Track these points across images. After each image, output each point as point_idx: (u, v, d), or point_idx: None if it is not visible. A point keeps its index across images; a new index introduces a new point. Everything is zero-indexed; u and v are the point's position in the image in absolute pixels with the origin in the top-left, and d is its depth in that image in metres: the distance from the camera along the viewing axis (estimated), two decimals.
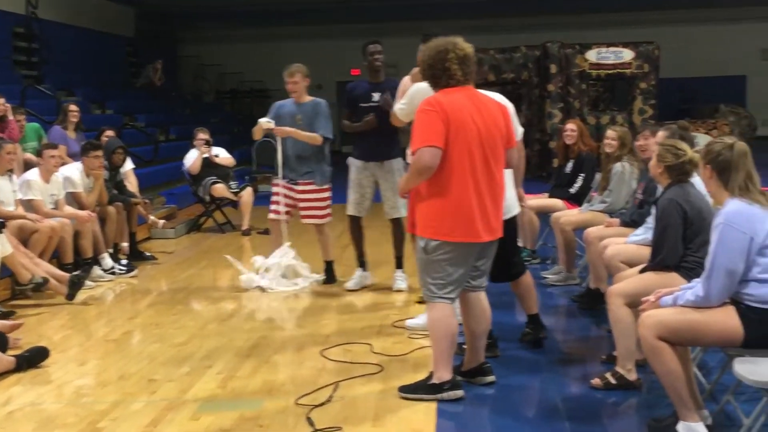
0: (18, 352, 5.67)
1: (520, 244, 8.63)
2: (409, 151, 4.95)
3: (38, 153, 8.54)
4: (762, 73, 25.99)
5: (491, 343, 5.50)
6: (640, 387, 4.90)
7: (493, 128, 4.68)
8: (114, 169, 9.39)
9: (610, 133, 7.49)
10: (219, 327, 6.60)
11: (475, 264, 4.80)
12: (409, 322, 6.33)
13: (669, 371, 3.97)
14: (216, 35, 25.86)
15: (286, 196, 7.75)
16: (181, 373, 5.45)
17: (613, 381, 4.91)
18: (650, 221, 5.62)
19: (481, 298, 4.97)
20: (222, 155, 11.86)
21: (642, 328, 4.03)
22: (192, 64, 25.81)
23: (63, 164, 8.76)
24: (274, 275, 7.76)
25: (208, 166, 11.50)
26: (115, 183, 9.39)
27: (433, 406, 4.70)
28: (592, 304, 6.71)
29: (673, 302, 4.06)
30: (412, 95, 5.80)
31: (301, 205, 7.75)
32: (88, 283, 7.85)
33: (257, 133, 7.72)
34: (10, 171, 7.95)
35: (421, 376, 5.01)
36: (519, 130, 5.57)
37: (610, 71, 16.95)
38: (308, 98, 7.70)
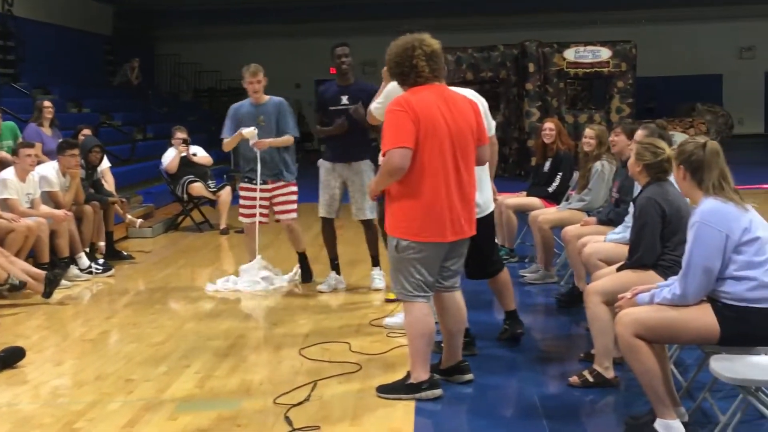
0: None
1: (497, 242, 8.70)
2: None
3: (14, 152, 8.47)
4: (738, 71, 26.20)
5: (469, 341, 5.51)
6: (617, 385, 4.91)
7: (464, 125, 4.66)
8: (91, 168, 9.34)
9: (588, 131, 7.51)
10: (197, 326, 6.58)
11: (444, 264, 4.79)
12: (387, 321, 6.33)
13: (646, 369, 3.99)
14: (194, 34, 25.75)
15: (261, 198, 7.70)
16: (159, 372, 5.43)
17: (590, 379, 4.93)
18: (629, 220, 5.64)
19: (456, 298, 4.96)
20: (200, 154, 11.82)
21: (619, 326, 4.05)
22: (170, 63, 25.66)
23: (39, 163, 8.69)
24: (248, 280, 7.71)
25: (186, 164, 11.46)
26: (91, 182, 9.33)
27: (412, 405, 4.70)
28: (569, 302, 6.73)
29: (650, 300, 4.08)
30: (388, 93, 5.78)
31: (276, 200, 7.72)
32: (64, 282, 7.80)
33: (231, 145, 7.70)
34: None
35: (399, 374, 5.01)
36: (492, 125, 5.58)
37: (587, 70, 17.03)
38: (266, 98, 7.68)
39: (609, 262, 5.50)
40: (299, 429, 4.39)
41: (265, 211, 7.79)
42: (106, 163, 10.00)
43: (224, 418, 4.59)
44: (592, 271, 5.62)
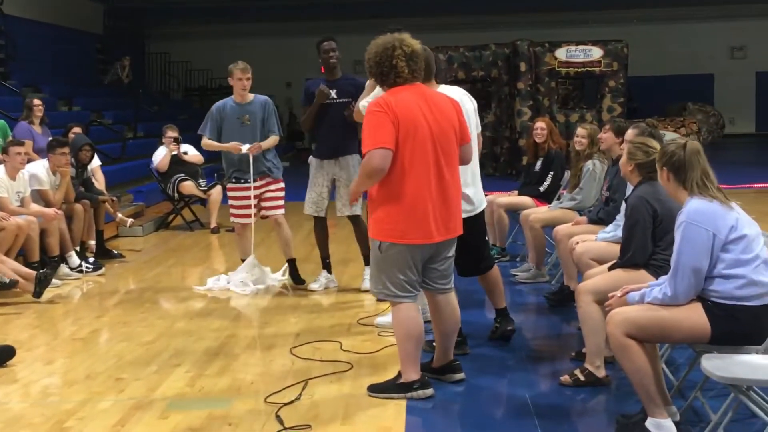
0: None
1: (489, 240, 8.71)
2: None
3: (4, 150, 8.44)
4: (730, 71, 26.28)
5: (461, 340, 5.51)
6: (609, 384, 4.93)
7: (446, 125, 4.64)
8: (81, 166, 9.31)
9: (580, 131, 7.53)
10: (187, 325, 6.56)
11: (432, 265, 4.77)
12: (378, 320, 6.33)
13: (637, 368, 4.00)
14: (184, 32, 25.71)
15: (244, 197, 7.62)
16: (149, 371, 5.42)
17: (582, 378, 4.93)
18: (620, 218, 5.66)
19: (450, 299, 4.95)
20: (191, 152, 11.79)
21: (610, 326, 4.06)
22: (160, 61, 25.62)
23: (29, 161, 8.67)
24: (238, 280, 7.69)
25: (177, 163, 11.44)
26: (82, 180, 9.31)
27: (403, 404, 4.70)
28: (561, 301, 6.74)
29: (640, 299, 4.09)
30: (377, 93, 5.78)
31: (264, 197, 7.64)
32: (55, 281, 7.78)
33: (214, 148, 7.61)
34: None
35: (390, 374, 5.01)
36: (478, 123, 5.59)
37: (579, 69, 17.05)
38: (251, 96, 7.60)
39: (600, 261, 5.51)
40: (290, 428, 4.39)
41: (252, 212, 7.72)
42: (96, 162, 9.98)
43: (215, 417, 4.58)
44: (584, 271, 5.63)
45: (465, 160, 4.88)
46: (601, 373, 4.93)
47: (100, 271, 8.63)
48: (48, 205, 8.45)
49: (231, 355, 5.76)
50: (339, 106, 7.17)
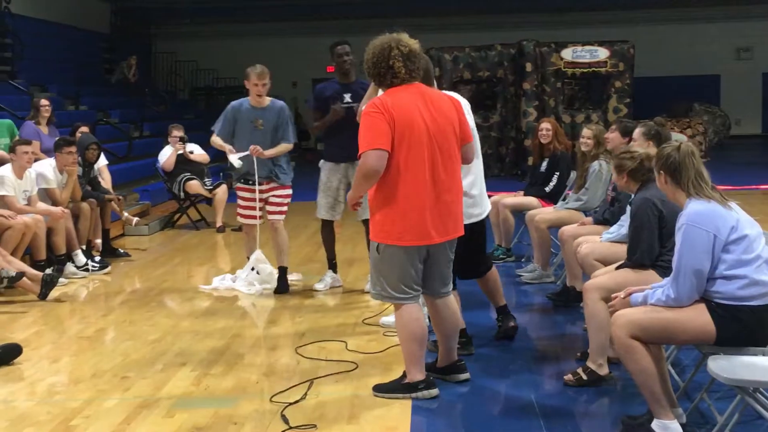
0: None
1: (495, 241, 8.72)
2: None
3: (11, 149, 8.46)
4: (736, 72, 26.22)
5: (465, 341, 5.51)
6: (611, 381, 4.92)
7: (445, 125, 4.61)
8: (88, 165, 9.33)
9: (585, 132, 7.51)
10: (193, 324, 6.57)
11: (432, 267, 4.74)
12: (383, 320, 6.33)
13: (642, 370, 3.99)
14: (191, 32, 25.74)
15: (251, 198, 7.56)
16: (155, 370, 5.42)
17: (584, 377, 4.94)
18: (624, 219, 5.65)
19: (449, 302, 4.92)
20: (197, 152, 11.80)
21: (615, 328, 4.05)
22: (167, 61, 25.65)
23: (36, 160, 8.68)
24: (244, 280, 7.68)
25: (183, 162, 11.45)
26: (88, 179, 9.32)
27: (408, 403, 4.70)
28: (567, 301, 6.73)
29: (643, 300, 4.08)
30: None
31: (269, 200, 7.56)
32: (61, 279, 7.79)
33: (217, 146, 7.50)
34: None
35: (396, 373, 5.01)
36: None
37: (585, 70, 17.03)
38: (267, 101, 7.45)
39: (605, 262, 5.51)
40: (296, 428, 4.39)
41: (259, 213, 7.67)
42: (103, 161, 9.99)
43: (220, 416, 4.59)
44: (588, 272, 5.63)
45: (467, 160, 4.84)
46: (603, 371, 4.93)
47: (106, 270, 8.64)
48: (55, 203, 8.47)
49: (236, 354, 5.77)
50: (353, 111, 7.13)
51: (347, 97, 7.21)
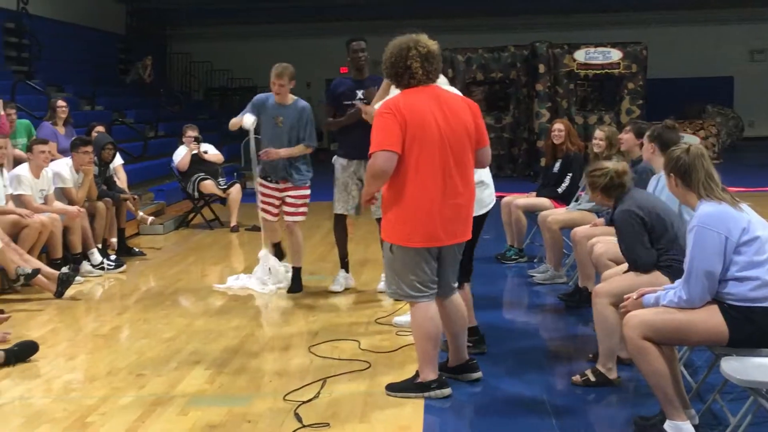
0: (7, 346, 5.65)
1: (507, 242, 8.71)
2: None
3: (28, 148, 8.50)
4: (749, 74, 26.08)
5: (478, 339, 5.51)
6: (619, 385, 4.91)
7: (459, 128, 4.59)
8: (103, 164, 9.36)
9: (598, 133, 7.50)
10: (207, 323, 6.59)
11: (440, 268, 4.74)
12: (396, 320, 6.33)
13: (655, 371, 3.98)
14: (205, 33, 25.79)
15: (269, 195, 7.57)
16: (170, 368, 5.44)
17: (592, 378, 4.94)
18: None
19: (455, 301, 4.92)
20: (211, 152, 11.82)
21: (627, 329, 4.04)
22: (182, 62, 25.72)
23: (52, 160, 8.72)
24: (258, 279, 7.69)
25: (197, 162, 11.47)
26: (104, 179, 9.36)
27: (421, 402, 4.70)
28: (580, 302, 6.72)
29: (655, 302, 4.07)
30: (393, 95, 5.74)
31: (285, 200, 7.54)
32: (77, 278, 7.81)
33: (234, 124, 7.37)
34: (1, 166, 7.92)
35: (408, 372, 5.01)
36: None
37: (598, 71, 16.99)
38: (291, 99, 7.41)
39: (618, 262, 5.48)
40: (309, 426, 4.40)
41: (276, 210, 7.69)
42: (118, 160, 10.02)
43: (234, 414, 4.60)
44: (602, 271, 5.61)
45: (481, 164, 4.83)
46: (612, 375, 4.93)
47: (121, 269, 8.67)
48: (71, 202, 8.50)
49: (250, 353, 5.78)
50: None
51: (359, 93, 7.21)
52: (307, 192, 7.56)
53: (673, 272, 4.55)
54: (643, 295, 4.16)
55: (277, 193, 7.53)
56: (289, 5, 24.12)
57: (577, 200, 7.91)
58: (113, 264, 8.66)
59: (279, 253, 7.95)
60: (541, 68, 16.85)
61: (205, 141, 11.91)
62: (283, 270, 7.76)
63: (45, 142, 8.50)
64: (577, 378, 4.99)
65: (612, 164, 5.05)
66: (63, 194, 8.57)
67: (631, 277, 4.79)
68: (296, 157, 7.43)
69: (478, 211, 5.12)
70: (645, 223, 4.75)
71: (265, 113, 7.39)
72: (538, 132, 16.51)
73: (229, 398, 4.89)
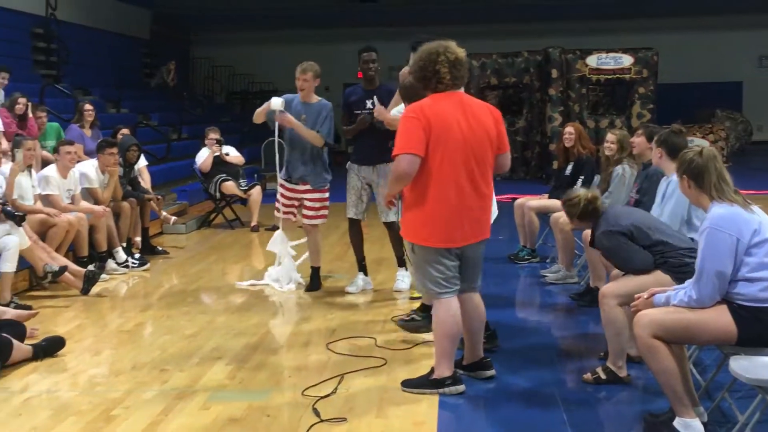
0: (35, 341, 5.68)
1: (520, 242, 8.69)
2: None
3: (55, 150, 8.55)
4: (758, 79, 25.92)
5: (490, 334, 5.51)
6: (629, 383, 4.89)
7: (481, 134, 4.63)
8: (128, 165, 9.40)
9: (609, 136, 7.48)
10: (228, 320, 6.60)
11: (461, 266, 4.76)
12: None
13: (665, 369, 3.96)
14: (227, 38, 25.85)
15: (287, 196, 7.54)
16: (192, 363, 5.46)
17: (603, 376, 4.93)
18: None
19: (473, 298, 4.94)
20: (232, 154, 11.86)
21: (637, 328, 4.03)
22: (204, 66, 25.81)
23: (79, 161, 8.77)
24: (277, 278, 7.69)
25: (219, 164, 11.51)
26: (129, 179, 9.40)
27: (435, 399, 4.70)
28: (591, 302, 6.69)
29: (666, 301, 4.06)
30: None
31: (304, 203, 7.51)
32: (102, 276, 7.85)
33: (260, 116, 7.36)
34: (30, 167, 7.97)
35: (423, 369, 5.01)
36: None
37: (609, 76, 16.93)
38: (316, 99, 7.44)
39: None
40: (326, 420, 4.40)
41: (287, 209, 7.61)
42: (142, 162, 10.06)
43: (254, 408, 4.61)
44: (612, 271, 5.59)
45: (500, 168, 4.85)
46: (622, 373, 4.92)
47: (145, 267, 8.71)
48: (97, 202, 8.55)
49: (269, 349, 5.79)
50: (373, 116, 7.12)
51: (369, 104, 7.20)
52: (326, 195, 7.55)
53: (670, 268, 4.61)
54: (653, 294, 4.15)
55: (296, 195, 7.52)
56: (308, 13, 24.19)
57: None
58: (137, 262, 8.70)
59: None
60: (554, 73, 16.81)
61: (226, 143, 11.96)
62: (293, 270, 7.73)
63: (71, 143, 8.55)
64: (588, 376, 4.98)
65: (582, 192, 5.18)
66: (89, 194, 8.61)
67: (639, 278, 4.77)
68: (316, 159, 7.40)
69: None
70: (626, 234, 4.79)
71: (289, 111, 7.36)
72: (551, 135, 16.46)
73: (249, 393, 4.90)
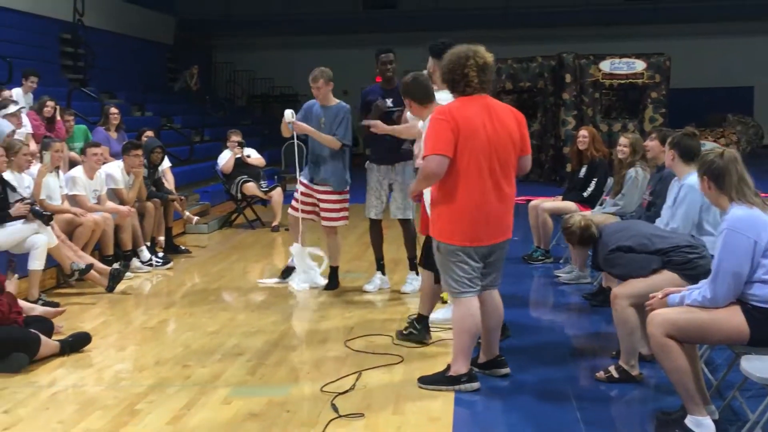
0: (62, 337, 5.71)
1: (534, 243, 8.66)
2: (415, 156, 5.22)
3: (81, 151, 8.60)
4: None
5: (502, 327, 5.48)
6: (641, 382, 4.87)
7: (505, 136, 4.66)
8: (152, 167, 9.44)
9: (622, 140, 7.45)
10: (248, 317, 6.62)
11: (484, 264, 4.77)
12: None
13: (677, 368, 3.94)
14: (248, 43, 25.96)
15: (307, 195, 7.50)
16: (213, 359, 5.47)
17: (615, 375, 4.91)
18: (659, 222, 5.59)
19: (494, 295, 4.95)
20: (253, 156, 11.89)
21: (651, 327, 4.01)
22: (226, 70, 25.92)
23: (105, 162, 8.82)
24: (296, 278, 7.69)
25: (240, 165, 11.54)
26: (153, 180, 9.43)
27: (451, 395, 4.70)
28: (604, 301, 6.66)
29: (680, 301, 4.04)
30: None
31: (321, 206, 7.48)
32: (127, 274, 7.89)
33: (285, 130, 7.39)
34: (57, 168, 8.02)
35: (439, 366, 5.00)
36: None
37: (622, 81, 16.87)
38: (334, 102, 7.42)
39: None
40: (344, 416, 4.40)
41: (309, 209, 7.58)
42: (166, 163, 10.11)
43: (274, 404, 4.62)
44: None
45: (522, 170, 4.87)
46: (634, 371, 4.90)
47: (168, 266, 8.74)
48: (122, 203, 8.59)
49: (289, 346, 5.80)
50: (392, 115, 7.14)
51: (388, 102, 7.22)
52: (346, 197, 7.52)
53: (675, 266, 4.62)
54: (668, 294, 4.13)
55: (315, 194, 7.51)
56: (327, 18, 24.25)
57: (601, 204, 7.85)
58: (161, 261, 8.74)
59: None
60: (568, 78, 16.75)
61: (247, 145, 11.99)
62: (313, 270, 7.72)
63: (97, 145, 8.60)
64: (600, 374, 4.96)
65: (575, 220, 5.25)
66: (115, 195, 8.65)
67: (649, 278, 4.75)
68: (337, 161, 7.37)
69: None
70: (624, 248, 4.81)
71: (311, 116, 7.40)
72: (564, 139, 16.41)
73: (269, 389, 4.91)
